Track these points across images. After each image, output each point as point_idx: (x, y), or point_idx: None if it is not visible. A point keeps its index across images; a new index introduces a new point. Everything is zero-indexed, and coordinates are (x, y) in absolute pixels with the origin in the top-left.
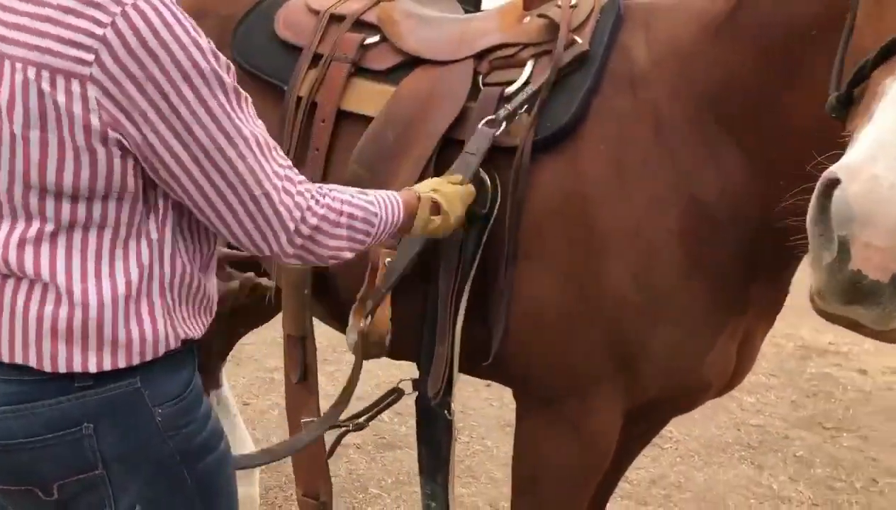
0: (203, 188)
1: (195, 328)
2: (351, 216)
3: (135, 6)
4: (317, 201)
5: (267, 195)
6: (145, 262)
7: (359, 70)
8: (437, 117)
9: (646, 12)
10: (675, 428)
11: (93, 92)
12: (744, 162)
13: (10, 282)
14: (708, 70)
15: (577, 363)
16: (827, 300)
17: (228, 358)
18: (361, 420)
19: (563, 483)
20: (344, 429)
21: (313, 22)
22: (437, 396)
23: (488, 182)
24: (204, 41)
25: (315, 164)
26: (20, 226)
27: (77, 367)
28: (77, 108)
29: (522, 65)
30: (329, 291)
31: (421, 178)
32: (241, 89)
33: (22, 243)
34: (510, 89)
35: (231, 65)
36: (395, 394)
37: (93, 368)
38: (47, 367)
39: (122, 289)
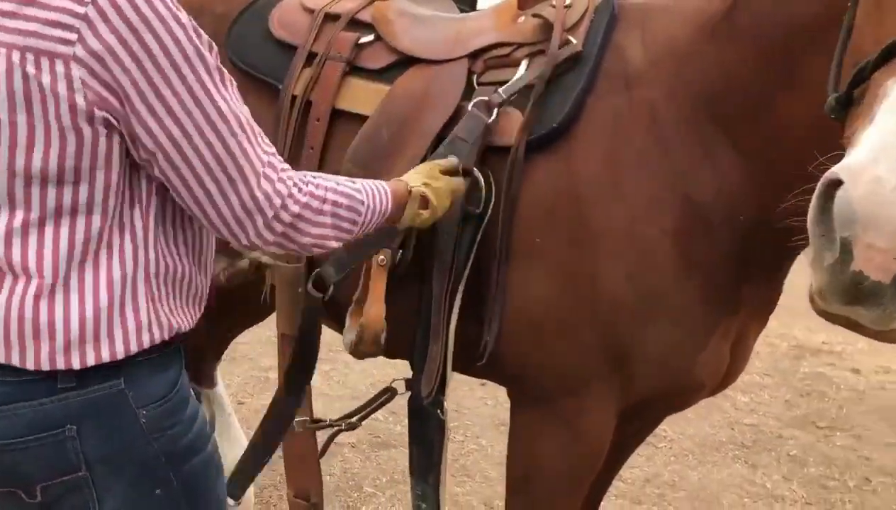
0: (180, 169)
1: (183, 320)
2: (335, 204)
3: None
4: (299, 189)
5: (245, 180)
6: (129, 252)
7: (353, 69)
8: (432, 116)
9: (641, 12)
10: (670, 427)
11: (77, 71)
12: (739, 162)
13: None
14: (704, 70)
15: (571, 362)
16: (828, 300)
17: (223, 357)
18: (354, 419)
19: (557, 481)
20: (336, 429)
21: (308, 21)
22: (430, 395)
23: (482, 181)
24: (185, 17)
25: (310, 163)
26: (4, 216)
27: (60, 364)
28: (62, 89)
29: (517, 64)
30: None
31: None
32: (223, 69)
33: (8, 235)
34: (508, 100)
35: (213, 44)
36: (388, 393)
37: (76, 365)
38: (31, 365)
39: (106, 280)
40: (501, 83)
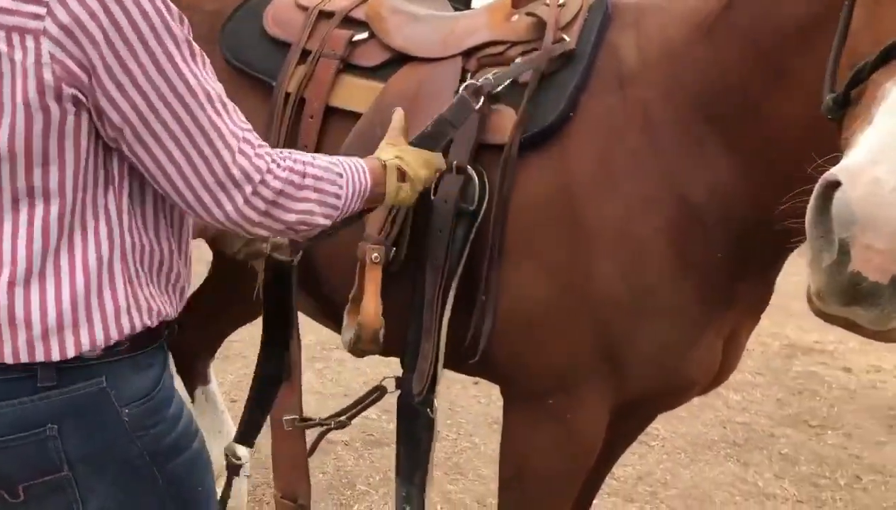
0: (149, 145)
1: (164, 306)
2: (316, 177)
3: None
4: (277, 164)
5: (217, 154)
6: (104, 235)
7: (347, 66)
8: (426, 114)
9: (635, 12)
10: (662, 425)
11: (46, 46)
12: (733, 162)
13: None
14: (698, 70)
15: (564, 360)
16: (826, 301)
17: (217, 355)
18: (343, 418)
19: (549, 479)
20: (326, 427)
21: (302, 18)
22: (421, 393)
23: (476, 179)
24: None
25: None
26: None
27: (40, 355)
28: (31, 64)
29: (510, 63)
30: (321, 290)
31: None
32: (194, 44)
33: None
34: (498, 87)
35: (185, 18)
36: (377, 392)
37: (56, 355)
38: (9, 358)
39: (82, 264)
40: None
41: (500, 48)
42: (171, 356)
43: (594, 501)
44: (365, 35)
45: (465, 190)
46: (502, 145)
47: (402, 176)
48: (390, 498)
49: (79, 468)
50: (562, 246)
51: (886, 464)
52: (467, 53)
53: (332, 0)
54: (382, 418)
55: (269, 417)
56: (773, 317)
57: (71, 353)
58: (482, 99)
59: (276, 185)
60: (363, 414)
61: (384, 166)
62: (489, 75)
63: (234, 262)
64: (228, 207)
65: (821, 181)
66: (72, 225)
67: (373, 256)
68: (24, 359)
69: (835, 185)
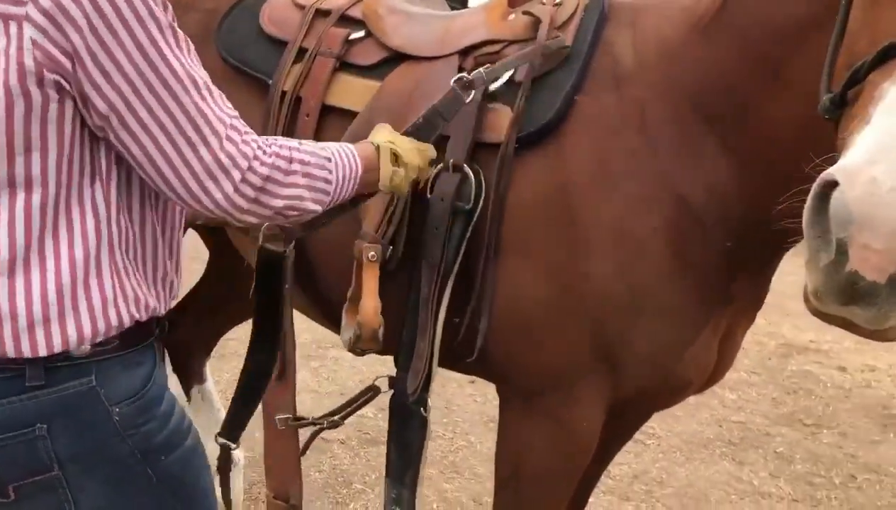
0: (135, 133)
1: (152, 299)
2: (303, 162)
3: None
4: (263, 151)
5: (204, 141)
6: (91, 226)
7: (344, 65)
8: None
9: (631, 11)
10: (658, 424)
11: (28, 31)
12: (729, 161)
13: None
14: (694, 69)
15: (560, 359)
16: (823, 300)
17: (212, 353)
18: (336, 418)
19: (545, 477)
20: (318, 427)
21: (298, 16)
22: (415, 392)
23: (472, 177)
24: None
25: None
26: None
27: (26, 349)
28: (13, 50)
29: None
30: (317, 289)
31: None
32: (178, 30)
33: None
34: (494, 85)
35: (168, 4)
36: (371, 391)
37: (43, 349)
38: None
39: (68, 255)
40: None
41: (496, 47)
42: (166, 354)
43: (590, 499)
44: (361, 33)
45: (461, 188)
46: (499, 144)
47: (396, 159)
48: None
49: (69, 468)
50: (558, 245)
51: (881, 463)
52: (464, 52)
53: None
54: (378, 417)
55: (262, 416)
56: (769, 317)
57: (58, 348)
58: (473, 92)
59: (264, 171)
60: (359, 412)
61: (377, 149)
62: (481, 69)
63: (231, 260)
64: (217, 195)
65: (818, 181)
66: (56, 214)
67: (369, 255)
68: (10, 353)
69: (832, 184)
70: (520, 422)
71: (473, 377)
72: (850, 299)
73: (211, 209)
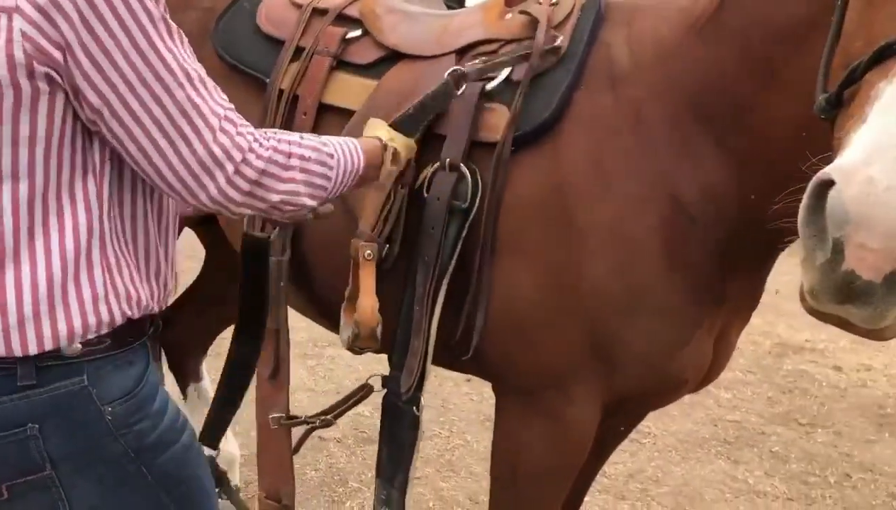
0: (128, 125)
1: (145, 295)
2: (302, 158)
3: None
4: (260, 144)
5: (198, 133)
6: (83, 220)
7: (341, 64)
8: None
9: (627, 11)
10: (653, 423)
11: (17, 23)
12: (725, 161)
13: None
14: (690, 70)
15: (556, 357)
16: (819, 299)
17: (209, 352)
18: (330, 417)
19: (541, 476)
20: (311, 425)
21: (296, 15)
22: (409, 391)
23: (468, 177)
24: None
25: None
26: None
27: (16, 346)
28: (2, 42)
29: None
30: (315, 290)
31: (402, 174)
32: (170, 22)
33: None
34: (491, 85)
35: None
36: (364, 390)
37: (33, 347)
38: None
39: (58, 249)
40: (489, 79)
41: (493, 46)
42: (162, 353)
43: (585, 498)
44: (358, 32)
45: (457, 188)
46: (495, 143)
47: (396, 157)
48: None
49: (62, 467)
50: (554, 244)
51: (876, 463)
52: (461, 51)
53: None
54: (375, 415)
55: (255, 415)
56: (764, 316)
57: (49, 345)
58: (465, 85)
59: (259, 164)
60: (355, 411)
61: (384, 147)
62: (476, 61)
63: (227, 258)
64: (211, 188)
65: (814, 180)
66: (45, 208)
67: (366, 253)
68: (1, 351)
69: (828, 184)
70: (516, 421)
71: (470, 375)
72: (846, 298)
73: (205, 202)
